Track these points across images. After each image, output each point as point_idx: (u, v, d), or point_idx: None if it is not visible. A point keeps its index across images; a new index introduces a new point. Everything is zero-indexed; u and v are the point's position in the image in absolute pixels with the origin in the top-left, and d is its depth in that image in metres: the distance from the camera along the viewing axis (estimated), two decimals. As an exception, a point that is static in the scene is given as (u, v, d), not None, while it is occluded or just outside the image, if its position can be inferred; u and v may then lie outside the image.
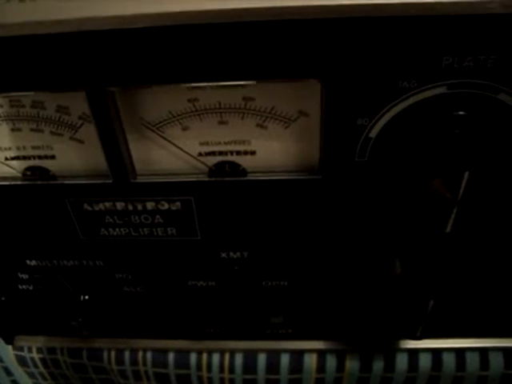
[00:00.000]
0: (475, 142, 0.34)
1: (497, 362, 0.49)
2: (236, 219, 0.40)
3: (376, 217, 0.39)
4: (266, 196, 0.39)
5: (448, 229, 0.35)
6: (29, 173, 0.40)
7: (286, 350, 0.50)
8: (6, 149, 0.40)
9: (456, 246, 0.38)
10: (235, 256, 0.43)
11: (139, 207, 0.40)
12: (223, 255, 0.43)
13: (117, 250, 0.43)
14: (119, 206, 0.40)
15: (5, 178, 0.41)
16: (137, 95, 0.36)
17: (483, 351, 0.49)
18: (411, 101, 0.33)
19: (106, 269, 0.45)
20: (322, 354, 0.50)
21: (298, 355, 0.50)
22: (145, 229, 0.41)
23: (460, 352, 0.49)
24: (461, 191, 0.34)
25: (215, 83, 0.34)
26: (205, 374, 0.51)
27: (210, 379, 0.52)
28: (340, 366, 0.50)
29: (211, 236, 0.41)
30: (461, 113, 0.34)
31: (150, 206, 0.40)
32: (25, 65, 0.33)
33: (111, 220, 0.41)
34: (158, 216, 0.40)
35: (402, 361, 0.50)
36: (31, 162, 0.40)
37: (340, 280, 0.44)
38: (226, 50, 0.32)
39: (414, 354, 0.50)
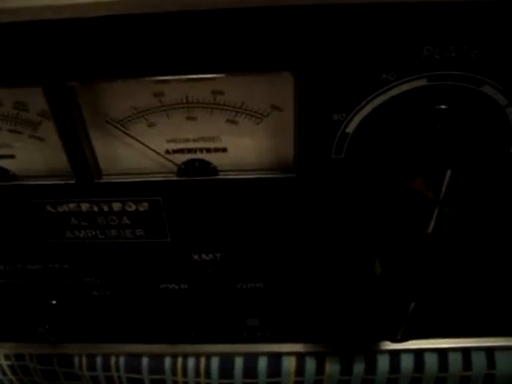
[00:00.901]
0: (458, 138, 0.32)
1: (479, 362, 0.48)
2: (208, 220, 0.38)
3: (354, 216, 0.38)
4: (238, 195, 0.37)
5: (430, 229, 0.34)
6: (-13, 173, 0.38)
7: (263, 353, 0.49)
8: (-39, 148, 0.37)
9: (437, 246, 0.36)
10: (208, 258, 0.41)
11: (105, 208, 0.38)
12: (195, 257, 0.41)
13: (84, 252, 0.41)
14: (84, 207, 0.38)
15: (-39, 179, 0.38)
16: (99, 90, 0.34)
17: (465, 351, 0.48)
18: (390, 94, 0.32)
19: (73, 272, 0.43)
20: (300, 356, 0.49)
21: (275, 358, 0.49)
22: (112, 230, 0.39)
23: (442, 352, 0.48)
24: (443, 190, 0.32)
25: (182, 76, 0.32)
26: (180, 378, 0.50)
27: (185, 384, 0.50)
28: (320, 369, 0.49)
29: (182, 237, 0.39)
30: (442, 106, 0.32)
31: (116, 207, 0.38)
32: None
33: (76, 222, 0.39)
34: (125, 217, 0.38)
35: (383, 362, 0.48)
36: (-11, 162, 0.38)
37: (318, 281, 0.42)
38: (193, 41, 0.30)
39: (395, 355, 0.48)
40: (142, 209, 0.38)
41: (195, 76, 0.32)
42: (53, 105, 0.33)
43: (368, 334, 0.46)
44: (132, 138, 0.35)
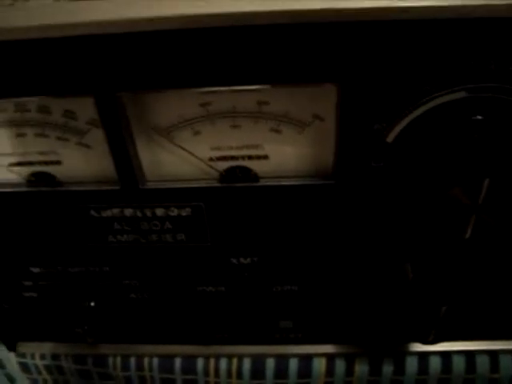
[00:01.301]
0: (495, 148, 0.33)
1: (507, 365, 0.49)
2: (247, 225, 0.39)
3: (389, 222, 0.39)
4: (278, 201, 0.38)
5: (467, 235, 0.35)
6: (33, 179, 0.39)
7: (294, 355, 0.50)
8: (10, 154, 0.38)
9: (474, 251, 0.37)
10: (245, 262, 0.42)
11: (148, 214, 0.39)
12: (233, 261, 0.42)
13: (124, 256, 0.42)
14: (127, 212, 0.39)
15: (9, 185, 0.39)
16: (147, 100, 0.35)
17: (493, 354, 0.49)
18: (430, 105, 0.33)
19: (113, 275, 0.44)
20: (331, 358, 0.50)
21: (306, 359, 0.50)
22: (154, 235, 0.40)
23: (470, 355, 0.49)
24: (481, 197, 0.33)
25: (229, 88, 0.33)
26: (212, 379, 0.51)
27: (217, 384, 0.51)
28: (349, 370, 0.49)
29: (221, 242, 0.40)
30: (479, 117, 0.33)
31: (159, 212, 0.39)
32: (32, 69, 0.32)
33: (119, 226, 0.40)
34: (167, 222, 0.39)
35: (411, 364, 0.49)
36: (36, 168, 0.39)
37: (351, 284, 0.43)
38: (240, 54, 0.31)
39: (423, 356, 0.49)
40: (184, 214, 0.39)
41: (242, 87, 0.33)
42: (103, 114, 0.34)
43: (397, 336, 0.47)
44: (177, 146, 0.36)
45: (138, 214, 0.39)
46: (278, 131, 0.36)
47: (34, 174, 0.39)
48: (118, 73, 0.32)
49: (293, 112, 0.35)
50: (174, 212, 0.39)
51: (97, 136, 0.36)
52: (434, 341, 0.42)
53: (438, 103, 0.33)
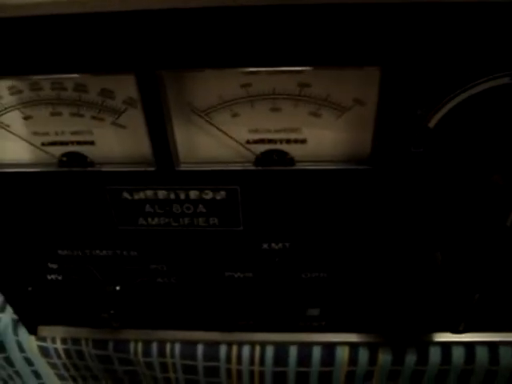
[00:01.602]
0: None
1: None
2: (281, 209, 0.39)
3: (424, 209, 0.38)
4: (313, 186, 0.38)
5: (509, 222, 0.34)
6: (65, 159, 0.39)
7: (317, 343, 0.50)
8: (43, 134, 0.38)
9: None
10: (277, 247, 0.42)
11: (182, 196, 0.39)
12: (264, 246, 0.41)
13: (153, 240, 0.42)
14: (161, 194, 0.39)
15: (40, 165, 0.39)
16: (186, 80, 0.34)
17: (517, 345, 0.49)
18: (473, 91, 0.32)
19: (141, 259, 0.43)
20: (354, 346, 0.49)
21: (330, 348, 0.50)
22: (185, 218, 0.40)
23: (493, 346, 0.49)
24: (524, 184, 0.33)
25: (271, 68, 0.32)
26: (234, 366, 0.50)
27: (239, 371, 0.51)
28: (372, 359, 0.49)
29: (254, 226, 0.40)
30: (523, 104, 0.33)
31: (193, 195, 0.38)
32: (76, 46, 0.31)
33: (151, 209, 0.40)
34: (200, 205, 0.39)
35: (435, 354, 0.49)
36: (69, 148, 0.38)
37: (380, 272, 0.43)
38: (284, 34, 0.30)
39: (447, 347, 0.49)
40: (218, 197, 0.38)
41: (284, 68, 0.32)
42: (143, 92, 0.33)
43: (422, 326, 0.47)
44: (215, 127, 0.36)
45: (172, 196, 0.39)
46: (317, 115, 0.35)
47: (66, 154, 0.39)
48: (159, 50, 0.31)
49: (334, 96, 0.34)
50: (209, 195, 0.38)
51: (133, 116, 0.36)
52: (464, 330, 0.42)
53: (482, 89, 0.32)
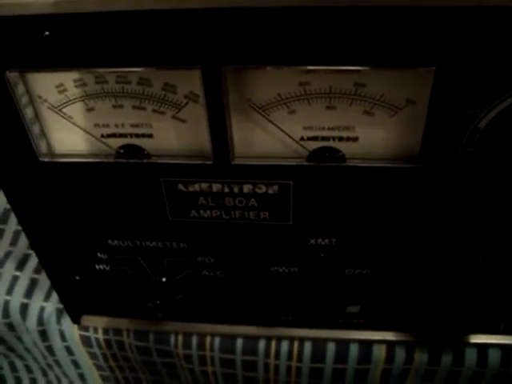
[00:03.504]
0: None
1: None
2: (330, 205, 0.40)
3: (470, 208, 0.39)
4: (363, 183, 0.39)
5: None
6: (122, 151, 0.40)
7: (355, 340, 0.51)
8: (103, 125, 0.39)
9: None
10: (323, 243, 0.43)
11: (235, 189, 0.40)
12: (311, 241, 0.43)
13: (204, 232, 0.43)
14: (215, 187, 0.40)
15: (97, 156, 0.40)
16: (247, 76, 0.36)
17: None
18: (525, 93, 0.34)
19: (189, 252, 0.45)
20: (391, 345, 0.50)
21: (367, 345, 0.51)
22: (237, 212, 0.41)
23: (529, 349, 0.50)
24: None
25: (330, 67, 0.34)
26: (272, 361, 0.51)
27: (276, 366, 0.52)
28: (409, 358, 0.50)
29: (303, 222, 0.41)
30: None
31: (246, 188, 0.40)
32: (145, 41, 0.33)
33: (204, 202, 0.41)
34: (253, 199, 0.40)
35: (471, 355, 0.50)
36: (127, 140, 0.40)
37: (422, 271, 0.44)
38: (342, 35, 0.32)
39: (483, 349, 0.50)
40: (271, 192, 0.40)
41: (343, 67, 0.34)
42: (207, 87, 0.35)
43: (460, 326, 0.48)
44: (272, 123, 0.37)
45: (226, 189, 0.40)
46: (370, 114, 0.37)
47: (124, 146, 0.40)
48: (225, 47, 0.33)
49: (388, 95, 0.36)
50: (262, 189, 0.40)
51: (193, 110, 0.37)
52: (504, 330, 0.42)
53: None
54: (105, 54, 0.34)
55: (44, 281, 0.55)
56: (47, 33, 0.33)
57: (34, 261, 0.58)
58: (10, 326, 0.56)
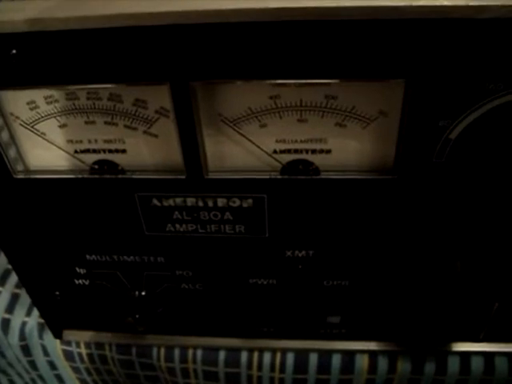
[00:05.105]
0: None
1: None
2: (305, 218, 0.40)
3: (446, 218, 0.39)
4: (338, 195, 0.39)
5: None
6: (96, 166, 0.40)
7: (337, 351, 0.50)
8: (77, 141, 0.39)
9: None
10: (300, 255, 0.43)
11: (210, 204, 0.40)
12: (288, 253, 0.43)
13: (180, 246, 0.43)
14: (190, 202, 0.40)
15: (71, 171, 0.40)
16: (217, 90, 0.36)
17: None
18: (496, 103, 0.33)
19: (167, 265, 0.45)
20: (373, 354, 0.50)
21: (349, 356, 0.50)
22: (212, 225, 0.41)
23: (512, 356, 0.49)
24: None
25: (300, 81, 0.34)
26: (255, 372, 0.51)
27: (259, 378, 0.52)
28: (391, 368, 0.50)
29: (279, 234, 0.41)
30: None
31: (221, 202, 0.40)
32: (114, 58, 0.33)
33: (179, 216, 0.41)
34: (227, 213, 0.40)
35: (453, 363, 0.50)
36: (101, 156, 0.40)
37: (401, 281, 0.44)
38: (312, 48, 0.32)
39: (466, 356, 0.50)
40: (245, 205, 0.40)
41: (312, 81, 0.34)
42: (176, 102, 0.35)
43: (442, 335, 0.48)
44: (243, 137, 0.37)
45: (200, 203, 0.40)
46: (342, 126, 0.36)
47: (98, 162, 0.40)
48: (193, 62, 0.33)
49: (360, 107, 0.36)
50: (236, 203, 0.40)
51: (164, 125, 0.37)
52: (484, 339, 0.42)
53: (504, 101, 0.33)
54: (74, 70, 0.34)
55: (25, 296, 0.55)
56: (14, 51, 0.33)
57: (15, 276, 0.57)
58: (-7, 342, 0.56)
